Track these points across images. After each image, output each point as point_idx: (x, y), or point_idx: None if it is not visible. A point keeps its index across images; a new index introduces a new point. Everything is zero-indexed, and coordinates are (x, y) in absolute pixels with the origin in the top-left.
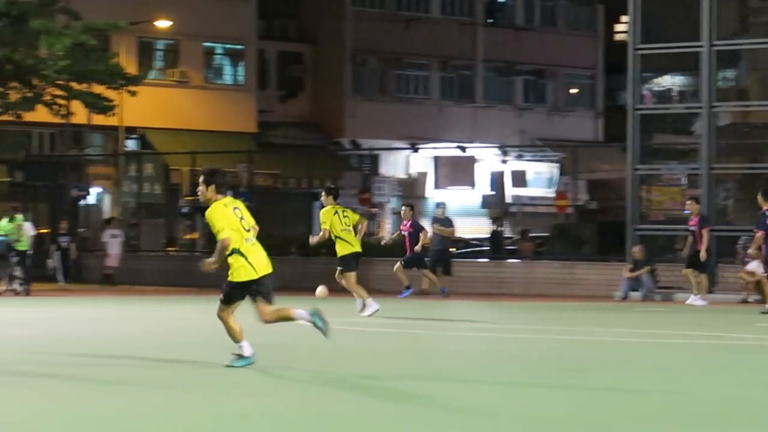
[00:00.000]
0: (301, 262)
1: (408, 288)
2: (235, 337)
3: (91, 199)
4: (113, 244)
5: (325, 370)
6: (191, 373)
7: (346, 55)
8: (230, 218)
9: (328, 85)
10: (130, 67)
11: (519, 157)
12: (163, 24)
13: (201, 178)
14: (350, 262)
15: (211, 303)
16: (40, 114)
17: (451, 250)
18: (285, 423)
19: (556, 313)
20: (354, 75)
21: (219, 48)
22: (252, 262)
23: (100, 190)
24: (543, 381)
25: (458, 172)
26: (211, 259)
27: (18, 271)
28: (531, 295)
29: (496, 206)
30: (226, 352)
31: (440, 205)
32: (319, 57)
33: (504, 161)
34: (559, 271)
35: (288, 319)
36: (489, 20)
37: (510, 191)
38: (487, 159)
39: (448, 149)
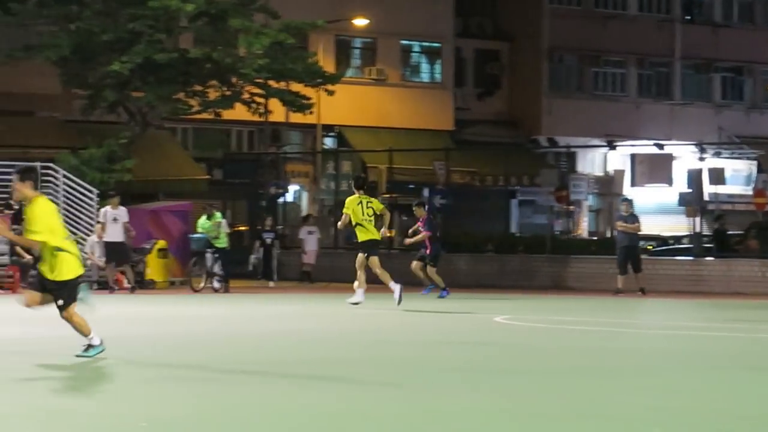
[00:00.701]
0: (498, 260)
1: (428, 287)
2: (83, 332)
3: (288, 197)
4: (310, 241)
5: (541, 368)
6: (385, 370)
7: (543, 52)
8: (51, 218)
9: (525, 83)
10: (328, 65)
11: (717, 154)
12: (360, 22)
13: (16, 176)
14: (371, 247)
15: (409, 301)
16: (239, 112)
17: (649, 246)
18: (515, 417)
19: (753, 311)
20: (551, 72)
21: (416, 46)
22: (76, 256)
23: (297, 187)
24: (735, 379)
25: (655, 169)
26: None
27: (217, 269)
28: (729, 293)
29: (693, 204)
30: (425, 348)
31: (624, 202)
32: (516, 54)
33: (701, 158)
34: (758, 269)
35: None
36: (687, 17)
37: (707, 189)
38: (684, 156)
39: (645, 147)
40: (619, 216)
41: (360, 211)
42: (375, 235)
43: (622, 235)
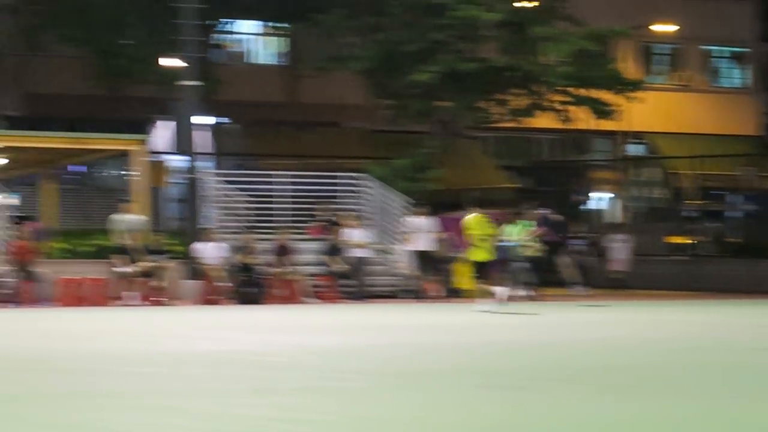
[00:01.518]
0: None
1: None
2: None
3: (594, 204)
4: (620, 249)
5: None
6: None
7: None
8: None
9: None
10: (631, 72)
11: None
12: (665, 28)
13: None
14: (482, 268)
15: (721, 306)
16: (541, 120)
17: None
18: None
19: None
20: None
21: (721, 51)
22: None
23: (604, 195)
24: None
25: None
26: None
27: (525, 277)
28: None
29: None
30: (735, 355)
31: None
32: None
33: None
34: None
35: None
36: None
37: None
38: None
39: None
40: None
41: (479, 231)
42: (487, 255)
43: None
